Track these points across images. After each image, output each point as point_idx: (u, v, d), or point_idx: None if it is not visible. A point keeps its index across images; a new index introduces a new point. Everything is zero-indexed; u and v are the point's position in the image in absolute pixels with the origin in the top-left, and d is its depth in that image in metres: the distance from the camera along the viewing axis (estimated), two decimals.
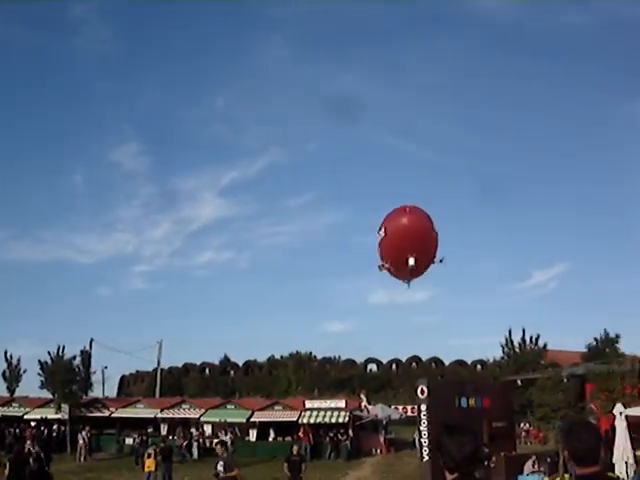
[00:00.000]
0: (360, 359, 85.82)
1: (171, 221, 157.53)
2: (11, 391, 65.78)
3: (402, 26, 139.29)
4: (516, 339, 62.77)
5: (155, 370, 77.42)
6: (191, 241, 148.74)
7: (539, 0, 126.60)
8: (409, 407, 53.36)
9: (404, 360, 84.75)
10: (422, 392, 30.68)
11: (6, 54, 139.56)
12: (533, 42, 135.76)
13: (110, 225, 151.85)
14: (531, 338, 62.47)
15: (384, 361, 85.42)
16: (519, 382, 47.86)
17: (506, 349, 63.26)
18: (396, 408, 55.60)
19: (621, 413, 24.72)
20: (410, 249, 17.09)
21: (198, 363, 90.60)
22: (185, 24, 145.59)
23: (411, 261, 19.62)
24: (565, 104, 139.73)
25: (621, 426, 24.45)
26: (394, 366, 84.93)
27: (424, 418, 30.02)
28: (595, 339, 63.25)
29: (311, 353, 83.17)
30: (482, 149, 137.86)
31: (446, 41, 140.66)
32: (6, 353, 66.90)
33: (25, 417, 57.40)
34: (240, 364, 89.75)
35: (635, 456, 25.19)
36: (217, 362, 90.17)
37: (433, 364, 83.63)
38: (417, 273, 18.41)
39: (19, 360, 67.21)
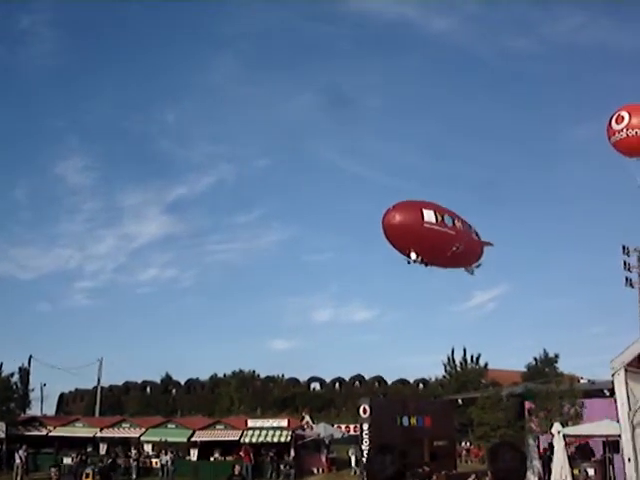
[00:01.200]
0: (304, 378, 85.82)
1: (115, 237, 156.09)
2: None
3: (354, 47, 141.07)
4: (457, 358, 63.57)
5: (95, 388, 76.18)
6: (135, 258, 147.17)
7: (489, 26, 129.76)
8: (352, 426, 53.34)
9: (347, 379, 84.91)
10: (364, 411, 30.86)
11: None
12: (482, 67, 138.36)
13: (52, 240, 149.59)
14: (472, 357, 63.36)
15: (327, 380, 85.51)
16: (460, 401, 48.40)
17: (448, 368, 63.95)
18: (339, 427, 55.58)
19: (559, 432, 25.14)
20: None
21: (139, 381, 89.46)
22: (136, 37, 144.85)
23: (413, 255, 22.74)
24: (512, 129, 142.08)
25: (559, 445, 24.86)
26: (337, 385, 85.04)
27: (366, 437, 30.16)
28: (535, 359, 64.25)
29: (254, 371, 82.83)
30: (429, 170, 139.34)
31: (397, 63, 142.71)
32: None
33: None
34: (182, 382, 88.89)
35: (573, 475, 25.64)
36: (159, 380, 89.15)
37: (376, 383, 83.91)
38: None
39: None
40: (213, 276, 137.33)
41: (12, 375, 60.22)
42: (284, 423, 52.44)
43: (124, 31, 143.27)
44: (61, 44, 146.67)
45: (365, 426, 30.18)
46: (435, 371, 78.98)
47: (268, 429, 51.63)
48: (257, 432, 51.64)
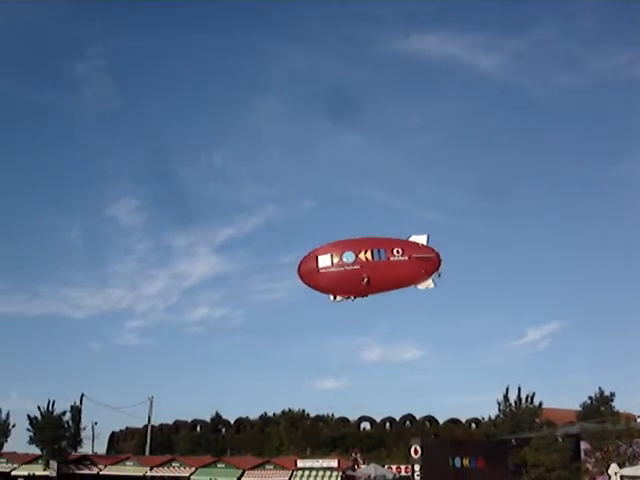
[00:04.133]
0: (353, 417, 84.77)
1: (166, 276, 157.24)
2: None
3: (397, 87, 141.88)
4: (512, 397, 62.32)
5: (145, 427, 76.41)
6: (186, 297, 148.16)
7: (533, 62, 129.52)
8: (403, 467, 52.45)
9: (398, 419, 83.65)
10: (415, 452, 30.41)
11: (7, 110, 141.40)
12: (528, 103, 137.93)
13: (104, 280, 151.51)
14: (527, 397, 62.02)
15: (378, 419, 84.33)
16: (514, 441, 47.30)
17: (502, 407, 62.70)
18: (389, 467, 54.68)
19: (616, 473, 24.41)
20: None
21: (189, 420, 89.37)
22: (183, 82, 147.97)
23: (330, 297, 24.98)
24: (560, 165, 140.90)
25: None
26: (388, 425, 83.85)
27: (417, 478, 29.62)
28: (590, 397, 62.67)
29: (304, 411, 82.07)
30: (480, 209, 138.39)
31: (442, 102, 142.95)
32: None
33: (12, 473, 56.53)
34: (232, 422, 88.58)
35: None
36: (208, 419, 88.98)
37: (427, 423, 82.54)
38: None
39: (8, 414, 66.44)
40: (262, 315, 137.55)
41: (64, 413, 60.84)
42: (334, 463, 51.92)
43: (172, 76, 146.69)
44: (113, 89, 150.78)
45: (417, 467, 29.72)
46: (487, 410, 77.56)
47: (318, 469, 51.17)
48: (307, 472, 51.22)
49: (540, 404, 62.17)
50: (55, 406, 60.80)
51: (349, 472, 51.81)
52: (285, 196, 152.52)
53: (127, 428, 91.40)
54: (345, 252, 24.55)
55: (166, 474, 55.69)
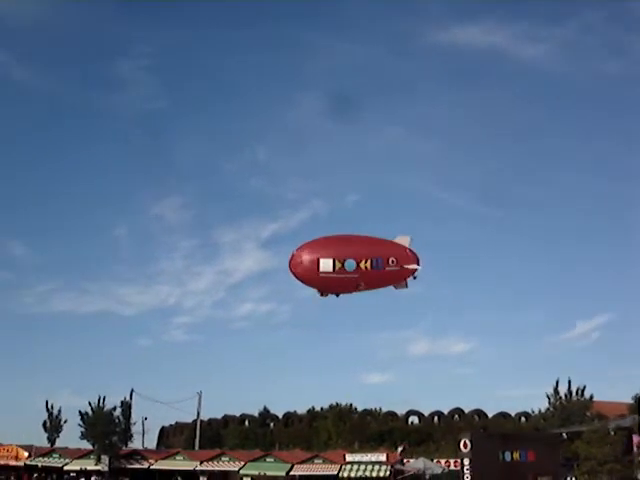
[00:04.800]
0: (401, 411, 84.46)
1: (213, 273, 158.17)
2: (51, 441, 65.92)
3: (440, 79, 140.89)
4: (562, 391, 61.59)
5: (195, 422, 77.09)
6: (232, 293, 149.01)
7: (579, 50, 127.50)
8: (452, 461, 52.13)
9: (446, 412, 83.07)
10: (465, 445, 30.12)
11: (54, 110, 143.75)
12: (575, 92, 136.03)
13: (152, 277, 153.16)
14: (577, 390, 61.22)
15: (426, 413, 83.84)
16: (564, 435, 46.69)
17: (552, 400, 61.96)
18: (438, 462, 54.40)
19: None
20: None
21: (238, 415, 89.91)
22: (225, 79, 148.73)
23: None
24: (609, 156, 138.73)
25: None
26: (436, 418, 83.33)
27: (467, 472, 29.40)
28: None
29: (351, 405, 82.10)
30: (529, 200, 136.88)
31: (486, 93, 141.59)
32: (47, 403, 67.31)
33: (65, 468, 57.44)
34: (280, 416, 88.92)
35: None
36: (257, 414, 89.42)
37: (476, 416, 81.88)
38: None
39: (60, 410, 67.65)
40: (308, 310, 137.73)
41: (114, 409, 61.68)
42: (383, 457, 51.85)
43: (214, 72, 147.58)
44: (157, 88, 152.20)
45: (466, 461, 29.47)
46: (537, 404, 76.71)
47: (367, 463, 51.16)
48: (355, 467, 51.21)
49: (591, 397, 61.34)
50: (106, 402, 61.76)
51: (398, 466, 51.68)
52: (330, 190, 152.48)
53: (177, 423, 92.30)
54: (347, 260, 23.99)
55: (216, 468, 56.14)
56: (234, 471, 55.39)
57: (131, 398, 65.54)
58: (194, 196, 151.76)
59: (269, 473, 53.64)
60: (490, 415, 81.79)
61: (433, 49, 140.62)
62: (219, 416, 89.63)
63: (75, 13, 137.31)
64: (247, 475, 54.55)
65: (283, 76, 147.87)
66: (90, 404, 61.19)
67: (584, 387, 61.30)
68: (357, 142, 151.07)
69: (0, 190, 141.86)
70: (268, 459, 56.18)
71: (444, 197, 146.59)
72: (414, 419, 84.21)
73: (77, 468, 57.18)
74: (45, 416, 66.88)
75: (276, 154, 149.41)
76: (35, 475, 56.64)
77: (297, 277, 24.44)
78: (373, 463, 51.12)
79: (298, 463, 54.33)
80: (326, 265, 23.67)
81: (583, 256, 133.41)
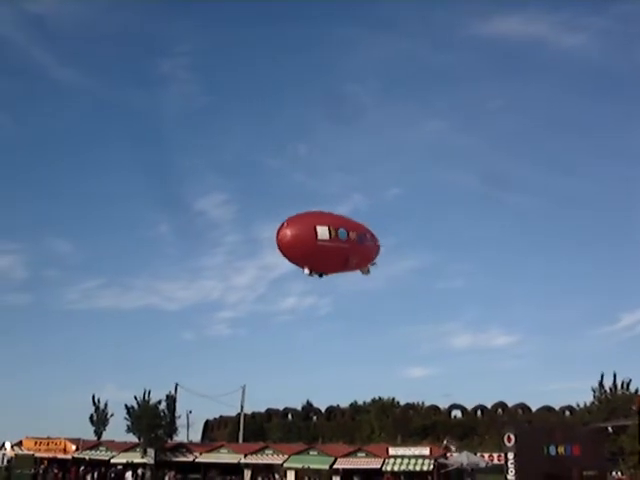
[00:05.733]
0: (444, 405, 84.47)
1: (255, 267, 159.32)
2: (98, 435, 66.98)
3: (480, 70, 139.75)
4: (607, 384, 60.89)
5: (238, 415, 77.71)
6: (274, 287, 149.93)
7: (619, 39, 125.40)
8: (495, 455, 51.92)
9: (489, 406, 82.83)
10: (509, 439, 30.00)
11: (97, 109, 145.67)
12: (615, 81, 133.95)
13: (196, 272, 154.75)
14: (622, 383, 60.51)
15: (469, 407, 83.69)
16: (610, 429, 46.23)
17: (597, 394, 61.32)
18: (482, 456, 54.17)
19: None
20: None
21: (281, 408, 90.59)
22: (265, 76, 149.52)
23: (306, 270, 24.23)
24: None
25: None
26: (479, 412, 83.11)
27: (511, 466, 29.29)
28: None
29: (394, 399, 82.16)
30: (572, 195, 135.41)
31: (526, 83, 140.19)
32: (94, 397, 68.32)
33: (112, 461, 58.33)
34: (322, 409, 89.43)
35: None
36: (300, 407, 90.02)
37: (520, 410, 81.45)
38: None
39: (106, 404, 68.60)
40: (349, 304, 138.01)
41: (160, 403, 62.44)
42: (426, 451, 51.77)
43: (254, 70, 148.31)
44: (198, 86, 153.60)
45: (510, 455, 29.32)
46: (582, 397, 76.08)
47: (410, 457, 51.12)
48: (399, 460, 51.22)
49: (636, 391, 60.56)
50: (151, 396, 62.54)
51: (441, 460, 51.59)
52: (370, 185, 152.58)
53: (221, 416, 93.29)
54: (340, 229, 23.76)
55: (260, 461, 56.56)
56: (278, 464, 55.77)
57: (176, 392, 66.27)
58: (236, 192, 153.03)
59: (313, 466, 53.91)
60: (534, 409, 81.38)
61: (472, 40, 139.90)
62: (262, 410, 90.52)
63: (115, 13, 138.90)
64: (291, 468, 54.87)
65: (323, 70, 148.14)
66: (136, 398, 62.06)
67: (629, 381, 60.58)
68: (398, 135, 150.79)
69: (45, 189, 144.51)
70: (311, 452, 56.44)
71: (487, 191, 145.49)
72: (457, 413, 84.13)
73: (123, 461, 58.01)
74: (92, 410, 68.02)
75: (317, 149, 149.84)
76: (82, 468, 57.61)
77: (289, 249, 23.77)
78: (416, 457, 51.08)
79: (341, 456, 54.51)
80: (323, 233, 23.25)
81: (628, 249, 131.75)
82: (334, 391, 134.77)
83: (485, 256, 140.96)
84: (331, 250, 23.54)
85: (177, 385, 67.03)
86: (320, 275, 24.84)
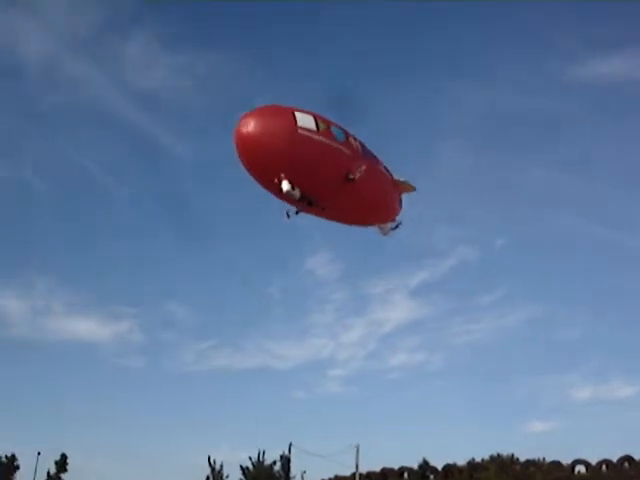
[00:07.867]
0: (566, 460, 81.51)
1: (364, 324, 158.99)
2: None
3: (582, 114, 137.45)
4: None
5: (353, 475, 76.88)
6: (384, 343, 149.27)
7: None
8: None
9: (615, 460, 79.38)
10: None
11: (197, 173, 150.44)
12: None
13: (305, 331, 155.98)
14: None
15: (593, 462, 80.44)
16: None
17: None
18: None
19: None
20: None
21: (396, 467, 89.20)
22: (369, 121, 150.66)
23: (285, 185, 16.55)
24: None
25: None
26: (604, 467, 79.76)
27: None
28: None
29: (513, 455, 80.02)
30: None
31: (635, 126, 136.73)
32: (209, 458, 68.97)
33: None
34: (439, 468, 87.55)
35: None
36: (416, 466, 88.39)
37: None
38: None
39: (222, 465, 68.99)
40: (461, 358, 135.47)
41: (274, 463, 62.60)
42: None
43: (364, 119, 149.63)
44: None
45: None
46: None
47: None
48: None
49: None
50: (265, 456, 62.78)
51: None
52: (477, 236, 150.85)
53: (335, 476, 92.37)
54: (332, 126, 17.35)
55: None
56: None
57: (289, 452, 66.32)
58: (342, 250, 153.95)
59: None
60: None
61: (573, 84, 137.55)
62: (377, 469, 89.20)
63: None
64: None
65: (424, 125, 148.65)
66: (250, 459, 62.46)
67: None
68: (502, 184, 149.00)
69: (158, 256, 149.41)
70: None
71: (595, 232, 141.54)
72: (581, 468, 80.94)
73: None
74: (208, 471, 68.67)
75: (420, 203, 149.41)
76: None
77: (254, 147, 16.41)
78: None
79: None
80: (306, 120, 16.73)
81: None
82: (451, 448, 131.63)
83: (603, 304, 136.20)
84: (320, 147, 16.90)
85: (291, 445, 67.13)
86: (309, 203, 17.29)
